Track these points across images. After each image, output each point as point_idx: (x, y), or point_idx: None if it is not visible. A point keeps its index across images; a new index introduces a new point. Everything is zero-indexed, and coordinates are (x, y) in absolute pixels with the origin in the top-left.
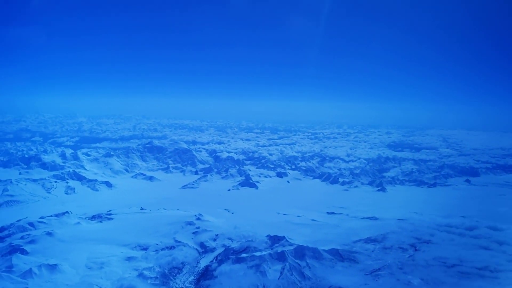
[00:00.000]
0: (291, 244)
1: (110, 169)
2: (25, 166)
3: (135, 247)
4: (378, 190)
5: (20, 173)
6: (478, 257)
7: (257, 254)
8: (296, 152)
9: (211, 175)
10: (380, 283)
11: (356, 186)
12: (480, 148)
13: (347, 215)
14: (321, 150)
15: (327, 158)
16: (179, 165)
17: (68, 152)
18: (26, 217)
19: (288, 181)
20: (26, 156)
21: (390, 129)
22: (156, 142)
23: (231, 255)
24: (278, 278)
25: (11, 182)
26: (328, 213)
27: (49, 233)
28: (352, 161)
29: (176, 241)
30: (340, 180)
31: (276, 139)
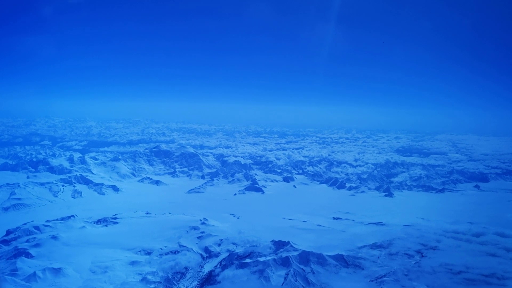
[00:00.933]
0: (295, 250)
1: (117, 173)
2: (33, 170)
3: (140, 251)
4: (385, 196)
5: (28, 177)
6: (485, 264)
7: (261, 259)
8: (303, 156)
9: (217, 180)
10: None
11: (363, 191)
12: (491, 153)
13: (353, 220)
14: (328, 155)
15: (335, 163)
16: (185, 169)
17: (76, 156)
18: (32, 221)
19: (294, 186)
20: (34, 160)
21: (399, 134)
22: (163, 146)
23: (235, 260)
24: (282, 284)
25: (19, 185)
26: (334, 218)
27: (54, 237)
28: (360, 166)
29: (181, 245)
30: (347, 185)
31: (284, 144)
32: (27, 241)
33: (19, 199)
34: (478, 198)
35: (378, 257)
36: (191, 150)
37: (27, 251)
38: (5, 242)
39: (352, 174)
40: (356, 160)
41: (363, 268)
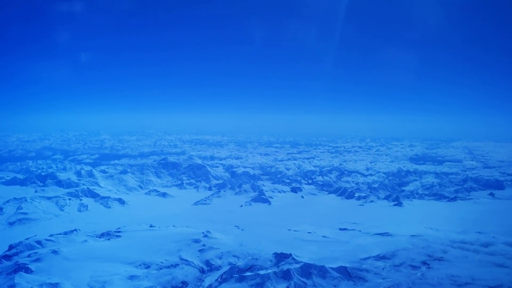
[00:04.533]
0: (297, 262)
1: (124, 186)
2: (41, 184)
3: (140, 265)
4: (394, 205)
5: (36, 191)
6: (492, 275)
7: (262, 272)
8: (314, 166)
9: (224, 191)
10: None
11: (372, 201)
12: (507, 160)
13: (360, 231)
14: (340, 164)
15: (346, 172)
16: (193, 181)
17: (85, 169)
18: (35, 235)
19: (302, 196)
20: (43, 174)
21: (414, 141)
22: (171, 158)
23: (235, 273)
24: None
25: (26, 200)
26: (340, 229)
27: (54, 251)
28: (371, 175)
29: (182, 259)
30: (356, 194)
31: (295, 154)
32: (29, 256)
33: (25, 213)
34: (490, 207)
35: (383, 269)
36: (199, 161)
37: (27, 266)
38: (7, 257)
39: (362, 183)
40: (367, 169)
41: (366, 280)
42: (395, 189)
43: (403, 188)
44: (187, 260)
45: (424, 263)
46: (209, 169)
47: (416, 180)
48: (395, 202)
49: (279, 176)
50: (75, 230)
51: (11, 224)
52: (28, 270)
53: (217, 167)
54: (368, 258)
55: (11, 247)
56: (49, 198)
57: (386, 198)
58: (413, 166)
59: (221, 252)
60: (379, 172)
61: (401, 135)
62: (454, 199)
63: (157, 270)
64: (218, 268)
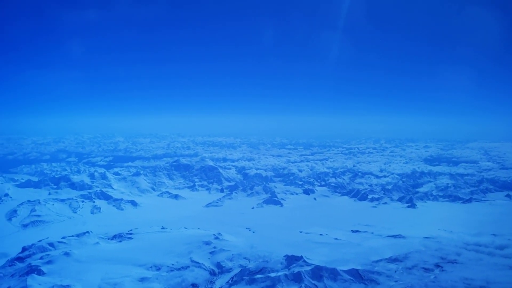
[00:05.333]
0: (308, 264)
1: (137, 188)
2: (55, 186)
3: (151, 267)
4: (408, 207)
5: (49, 193)
6: (506, 278)
7: (272, 275)
8: (327, 168)
9: (236, 193)
10: None
11: (385, 203)
12: None
13: (372, 233)
14: (353, 166)
15: (359, 173)
16: (205, 182)
17: (99, 171)
18: (47, 238)
19: (315, 198)
20: (57, 176)
21: (429, 142)
22: (183, 160)
23: (246, 276)
24: None
25: (39, 202)
26: (352, 231)
27: (66, 254)
28: (385, 176)
29: (192, 261)
30: (369, 196)
31: (308, 155)
32: (41, 258)
33: (38, 215)
34: (506, 209)
35: (395, 272)
36: (211, 163)
37: (39, 268)
38: (20, 259)
39: (376, 185)
40: (381, 171)
41: (378, 283)
42: (409, 191)
43: (417, 189)
44: (198, 262)
45: (437, 265)
46: (221, 171)
47: (431, 181)
48: (409, 204)
49: (291, 178)
50: (87, 232)
51: (25, 226)
52: (40, 272)
53: (230, 169)
54: (380, 260)
55: (24, 249)
56: (62, 200)
57: (400, 199)
58: (428, 167)
59: (232, 254)
60: (393, 173)
61: (416, 136)
62: (469, 200)
63: (167, 272)
64: (229, 270)
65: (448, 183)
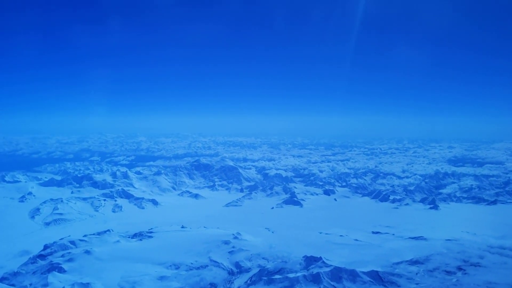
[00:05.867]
0: (327, 266)
1: (158, 187)
2: (78, 185)
3: (170, 266)
4: (430, 208)
5: (72, 192)
6: None
7: (291, 275)
8: (348, 168)
9: (255, 193)
10: None
11: (407, 204)
12: None
13: (393, 234)
14: (375, 166)
15: (381, 174)
16: (225, 182)
17: (121, 170)
18: (69, 236)
19: (335, 199)
20: (79, 175)
21: (453, 143)
22: (203, 160)
23: (264, 276)
24: None
25: (62, 201)
26: (373, 232)
27: (87, 251)
28: (407, 177)
29: (211, 260)
30: (391, 197)
31: (330, 156)
32: (62, 255)
33: (61, 214)
34: None
35: (416, 274)
36: (231, 163)
37: (60, 265)
38: (42, 256)
39: (398, 186)
40: (403, 171)
41: (399, 286)
42: (431, 192)
43: (440, 191)
44: (217, 262)
45: (459, 268)
46: (241, 171)
47: (454, 182)
48: (431, 205)
49: (312, 178)
50: (108, 230)
51: (47, 224)
52: (61, 270)
53: (250, 169)
54: (401, 262)
55: (46, 247)
56: (84, 199)
57: (422, 201)
58: (452, 168)
59: (251, 254)
60: (415, 174)
61: (439, 136)
62: (494, 202)
63: (186, 271)
64: (247, 270)
65: (472, 184)
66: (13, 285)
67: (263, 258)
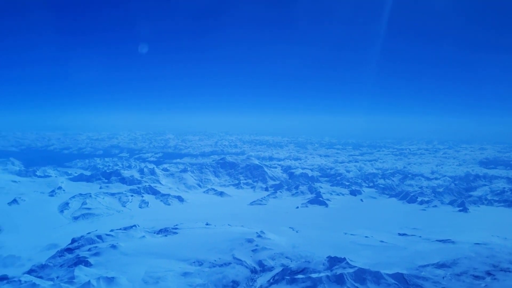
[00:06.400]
0: (351, 267)
1: (184, 184)
2: (106, 181)
3: (194, 262)
4: (459, 211)
5: (100, 187)
6: None
7: (314, 275)
8: (376, 169)
9: (280, 192)
10: None
11: (435, 206)
12: None
13: (420, 236)
14: (404, 167)
15: (409, 175)
16: (250, 181)
17: (148, 167)
18: (96, 230)
19: (361, 200)
20: (108, 171)
21: (485, 144)
22: (229, 158)
23: (287, 275)
24: None
25: (90, 196)
26: (399, 234)
27: (113, 246)
28: (436, 178)
29: (234, 258)
30: (419, 199)
31: (357, 156)
32: (89, 249)
33: (89, 208)
34: None
35: (443, 278)
36: (256, 162)
37: (86, 259)
38: (69, 250)
39: (426, 187)
40: (433, 173)
41: None
42: (461, 194)
43: (470, 193)
44: (240, 260)
45: (488, 273)
46: (266, 169)
47: (485, 185)
48: (460, 208)
49: (338, 178)
50: (134, 226)
51: (76, 218)
52: (87, 264)
53: (275, 167)
54: (427, 265)
55: (73, 241)
56: (112, 194)
57: (451, 203)
58: (483, 170)
59: (274, 253)
60: (445, 176)
61: (471, 137)
62: None
63: (209, 268)
64: (270, 269)
65: (504, 187)
66: (40, 277)
67: (286, 257)
